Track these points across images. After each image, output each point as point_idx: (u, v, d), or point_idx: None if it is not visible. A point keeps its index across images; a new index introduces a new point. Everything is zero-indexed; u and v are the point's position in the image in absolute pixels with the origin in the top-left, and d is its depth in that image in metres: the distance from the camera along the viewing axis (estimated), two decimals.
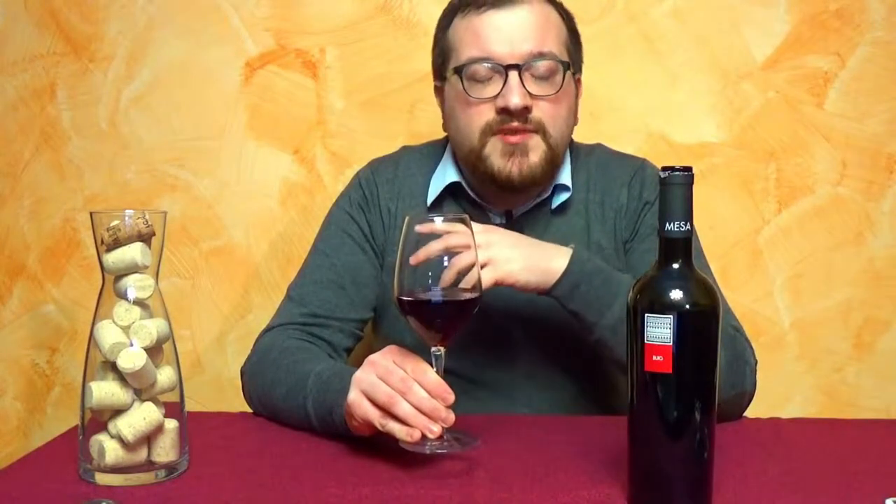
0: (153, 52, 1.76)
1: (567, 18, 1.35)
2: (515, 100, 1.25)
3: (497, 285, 1.16)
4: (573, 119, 1.35)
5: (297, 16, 1.75)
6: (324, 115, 1.76)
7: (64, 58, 1.78)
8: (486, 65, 1.27)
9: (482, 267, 1.11)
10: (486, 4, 1.28)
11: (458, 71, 1.29)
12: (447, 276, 1.05)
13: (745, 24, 1.70)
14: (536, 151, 1.28)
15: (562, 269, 1.18)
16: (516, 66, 1.25)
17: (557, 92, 1.27)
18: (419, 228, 1.05)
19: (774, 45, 1.70)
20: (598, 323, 1.19)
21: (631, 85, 1.72)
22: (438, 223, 1.05)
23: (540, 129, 1.27)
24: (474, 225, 1.09)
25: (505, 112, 1.26)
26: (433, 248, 1.04)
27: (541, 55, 1.26)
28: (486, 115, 1.28)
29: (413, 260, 1.04)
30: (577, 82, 1.37)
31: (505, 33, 1.26)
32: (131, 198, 1.78)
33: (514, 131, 1.27)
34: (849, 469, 1.05)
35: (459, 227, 1.06)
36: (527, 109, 1.26)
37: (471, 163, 1.31)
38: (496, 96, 1.26)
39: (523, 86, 1.25)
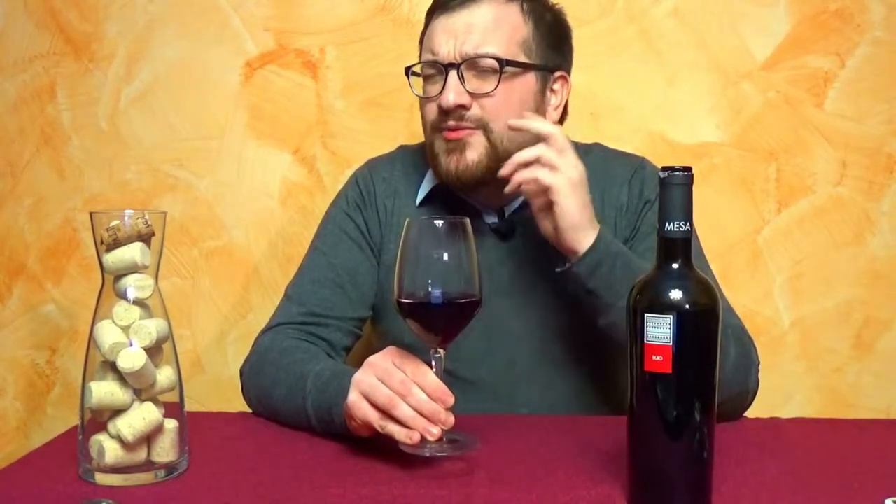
0: (153, 52, 1.77)
1: (539, 18, 1.33)
2: (448, 97, 1.27)
3: (543, 192, 1.20)
4: (535, 116, 1.32)
5: (297, 16, 1.75)
6: (324, 115, 1.76)
7: (64, 58, 1.78)
8: (430, 64, 1.31)
9: (549, 168, 1.20)
10: (438, 9, 1.32)
11: (412, 72, 1.34)
12: (508, 166, 1.22)
13: (745, 24, 1.70)
14: (475, 149, 1.28)
15: (590, 242, 1.19)
16: (454, 65, 1.27)
17: (494, 89, 1.27)
18: (513, 123, 1.25)
19: (774, 45, 1.70)
20: (614, 305, 1.18)
21: (631, 85, 1.72)
22: (438, 225, 1.05)
23: (481, 126, 1.28)
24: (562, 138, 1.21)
25: (441, 110, 1.28)
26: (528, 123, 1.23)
27: (477, 55, 1.27)
28: (432, 113, 1.31)
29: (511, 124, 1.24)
30: (560, 80, 1.36)
31: (449, 34, 1.29)
32: (131, 198, 1.78)
33: (453, 129, 1.29)
34: (849, 469, 1.05)
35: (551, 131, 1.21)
36: (462, 107, 1.27)
37: (429, 161, 1.35)
38: (439, 94, 1.29)
39: (462, 84, 1.27)
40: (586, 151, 1.43)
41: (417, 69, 1.34)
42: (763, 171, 1.72)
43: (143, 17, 1.76)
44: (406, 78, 1.36)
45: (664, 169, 0.91)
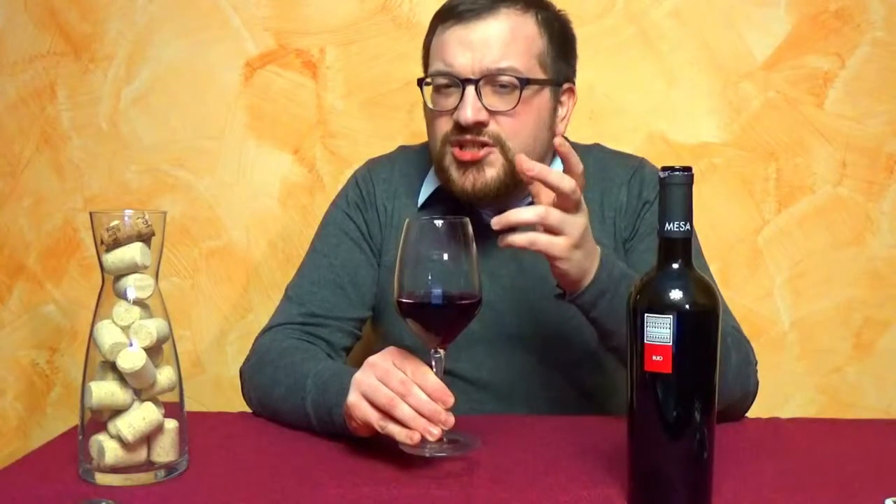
0: (153, 52, 1.76)
1: (552, 29, 1.31)
2: (467, 114, 1.24)
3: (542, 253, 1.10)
4: (546, 132, 1.32)
5: (297, 16, 1.75)
6: (324, 115, 1.76)
7: (64, 58, 1.78)
8: (445, 77, 1.27)
9: (553, 233, 1.08)
10: (452, 18, 1.28)
11: (425, 83, 1.31)
12: (500, 223, 1.07)
13: (745, 24, 1.70)
14: (494, 166, 1.27)
15: (590, 278, 1.14)
16: (472, 81, 1.25)
17: (514, 108, 1.26)
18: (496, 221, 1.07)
19: (774, 45, 1.70)
20: (617, 332, 1.14)
21: (631, 85, 1.72)
22: (438, 225, 1.04)
23: (498, 143, 1.26)
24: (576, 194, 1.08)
25: (459, 126, 1.26)
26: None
27: (499, 71, 1.25)
28: (445, 126, 1.28)
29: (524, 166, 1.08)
30: (567, 92, 1.35)
31: (466, 47, 1.26)
32: (131, 198, 1.78)
33: (468, 144, 1.26)
34: (849, 469, 1.05)
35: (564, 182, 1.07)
36: (481, 124, 1.25)
37: (437, 171, 1.33)
38: (454, 109, 1.26)
39: (480, 100, 1.25)
40: (586, 152, 1.43)
41: (440, 80, 1.29)
42: (763, 171, 1.72)
43: (143, 17, 1.76)
44: (419, 88, 1.32)
45: (664, 169, 0.91)
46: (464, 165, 1.27)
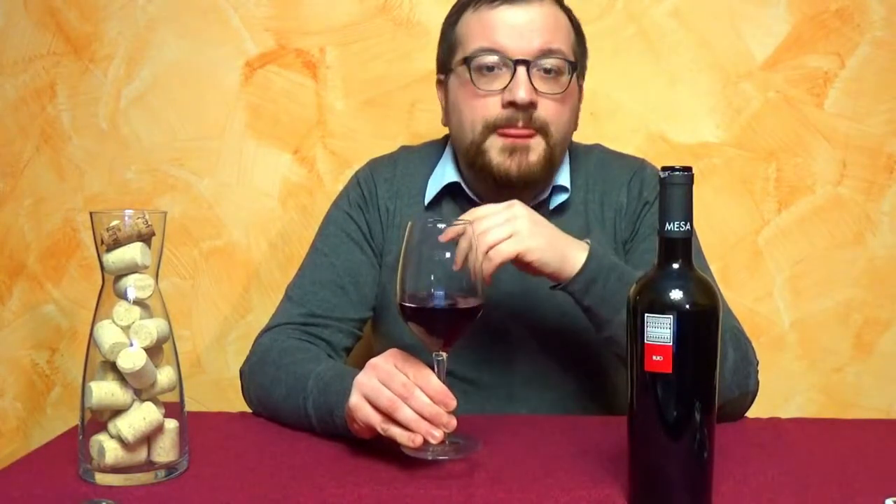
0: (153, 52, 1.76)
1: (574, 23, 1.35)
2: (522, 94, 1.24)
3: (517, 260, 1.13)
4: (575, 122, 1.35)
5: (297, 16, 1.75)
6: (324, 115, 1.76)
7: (64, 58, 1.78)
8: (494, 57, 1.26)
9: (507, 238, 1.11)
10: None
11: (467, 61, 1.29)
12: (459, 257, 1.03)
13: (745, 24, 1.70)
14: (536, 151, 1.27)
15: (580, 262, 1.15)
16: (525, 62, 1.25)
17: (564, 91, 1.27)
18: (442, 238, 1.03)
19: (774, 45, 1.70)
20: (612, 320, 1.16)
21: (631, 85, 1.72)
22: (441, 228, 1.04)
23: (542, 129, 1.27)
24: (493, 206, 1.14)
25: (511, 106, 1.25)
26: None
27: (550, 52, 1.26)
28: (491, 108, 1.27)
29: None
30: (580, 87, 1.37)
31: (516, 28, 1.26)
32: (131, 198, 1.78)
33: (519, 128, 1.26)
34: (849, 469, 1.05)
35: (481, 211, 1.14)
36: (532, 105, 1.26)
37: (470, 156, 1.31)
38: (503, 90, 1.26)
39: (531, 82, 1.25)
40: (587, 152, 1.43)
41: (487, 59, 1.26)
42: (763, 171, 1.72)
43: (143, 17, 1.76)
44: (467, 67, 1.28)
45: (664, 169, 0.91)
46: (509, 149, 1.27)
